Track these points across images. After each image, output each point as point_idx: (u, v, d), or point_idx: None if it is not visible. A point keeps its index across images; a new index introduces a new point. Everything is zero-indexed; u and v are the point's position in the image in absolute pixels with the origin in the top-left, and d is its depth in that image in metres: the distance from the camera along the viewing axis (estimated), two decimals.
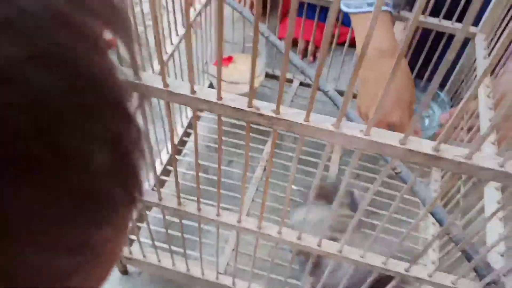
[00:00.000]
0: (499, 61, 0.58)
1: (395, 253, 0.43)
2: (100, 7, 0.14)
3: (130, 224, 0.16)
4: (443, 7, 0.66)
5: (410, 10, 0.72)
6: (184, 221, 0.51)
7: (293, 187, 0.73)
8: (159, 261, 0.63)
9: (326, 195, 0.67)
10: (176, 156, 0.79)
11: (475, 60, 0.64)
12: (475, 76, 0.67)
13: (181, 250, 0.57)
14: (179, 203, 0.48)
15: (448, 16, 0.67)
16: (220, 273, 0.62)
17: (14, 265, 0.13)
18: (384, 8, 0.66)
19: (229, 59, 0.88)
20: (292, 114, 0.33)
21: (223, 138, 0.79)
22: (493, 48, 0.62)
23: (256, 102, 0.33)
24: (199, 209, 0.48)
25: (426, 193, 0.42)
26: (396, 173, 0.43)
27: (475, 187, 0.56)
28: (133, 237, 0.64)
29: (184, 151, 0.82)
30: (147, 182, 0.70)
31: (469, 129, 0.63)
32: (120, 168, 0.15)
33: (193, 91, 0.34)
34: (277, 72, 0.93)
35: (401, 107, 0.65)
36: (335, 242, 0.45)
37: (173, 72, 0.72)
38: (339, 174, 0.75)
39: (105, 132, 0.14)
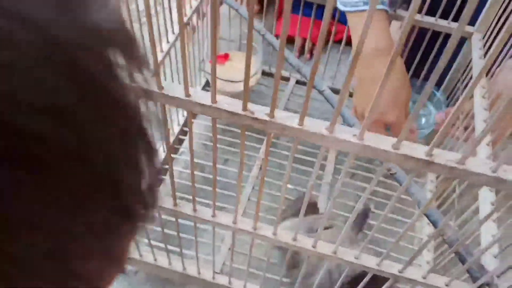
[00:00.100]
0: (495, 60, 0.58)
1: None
2: (116, 36, 0.14)
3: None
4: (439, 6, 0.66)
5: (407, 8, 0.72)
6: (180, 220, 0.51)
7: (289, 186, 0.73)
8: (155, 260, 0.63)
9: (313, 205, 0.68)
10: (173, 155, 0.79)
11: (471, 59, 0.64)
12: (471, 76, 0.67)
13: (178, 249, 0.57)
14: (175, 204, 0.48)
15: (444, 16, 0.67)
16: (216, 273, 0.62)
17: (14, 265, 0.13)
18: (380, 6, 0.66)
19: (226, 56, 0.87)
20: (286, 117, 0.33)
21: (220, 136, 0.80)
22: (489, 48, 0.62)
23: (250, 106, 0.33)
24: (194, 210, 0.48)
25: (421, 194, 0.42)
26: (391, 174, 0.43)
27: (470, 188, 0.56)
28: None
29: (181, 149, 0.82)
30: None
31: (466, 128, 0.63)
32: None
33: (187, 94, 0.34)
34: (274, 70, 0.93)
35: (397, 106, 0.65)
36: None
37: (169, 70, 0.71)
38: (335, 173, 0.75)
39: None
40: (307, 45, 0.90)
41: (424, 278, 0.43)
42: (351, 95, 0.86)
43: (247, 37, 0.28)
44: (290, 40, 0.95)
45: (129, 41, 0.15)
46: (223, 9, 0.85)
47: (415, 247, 0.67)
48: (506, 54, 0.57)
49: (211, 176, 0.42)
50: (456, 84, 0.74)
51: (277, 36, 0.76)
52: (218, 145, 0.79)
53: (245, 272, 0.56)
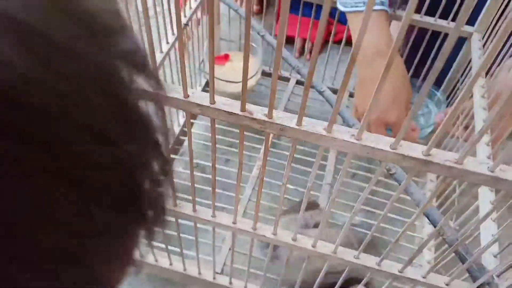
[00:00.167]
0: (495, 60, 0.58)
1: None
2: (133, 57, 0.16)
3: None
4: (439, 6, 0.66)
5: None
6: (180, 221, 0.52)
7: (290, 186, 0.73)
8: (156, 260, 0.63)
9: (315, 206, 0.68)
10: (173, 156, 0.79)
11: (471, 59, 0.64)
12: (471, 76, 0.67)
13: (178, 249, 0.57)
14: (175, 204, 0.48)
15: (444, 15, 0.67)
16: (217, 273, 0.63)
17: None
18: (380, 7, 0.66)
19: (226, 57, 0.88)
20: (285, 118, 0.33)
21: (220, 137, 0.80)
22: (488, 48, 0.62)
23: (249, 106, 0.34)
24: (194, 210, 0.49)
25: (421, 194, 0.42)
26: (390, 174, 0.43)
27: (471, 187, 0.56)
28: None
29: (181, 150, 0.82)
30: None
31: (466, 127, 0.63)
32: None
33: (186, 95, 0.34)
34: None
35: (398, 106, 0.65)
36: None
37: (169, 70, 0.72)
38: (335, 173, 0.75)
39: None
40: (307, 45, 0.90)
41: (424, 277, 0.43)
42: (352, 95, 0.86)
43: (245, 38, 0.28)
44: (290, 41, 0.95)
45: (148, 66, 0.17)
46: (223, 9, 0.85)
47: (416, 246, 0.67)
48: (505, 54, 0.57)
49: (211, 177, 0.42)
50: (456, 84, 0.74)
51: (276, 37, 0.76)
52: (218, 146, 0.80)
53: (246, 272, 0.56)
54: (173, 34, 0.66)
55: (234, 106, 0.33)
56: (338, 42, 0.85)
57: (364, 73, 0.68)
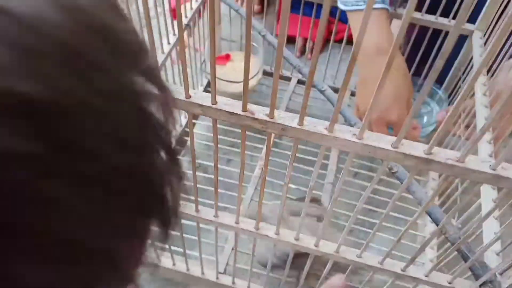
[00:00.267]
0: (496, 59, 0.58)
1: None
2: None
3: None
4: (439, 4, 0.66)
5: None
6: (183, 221, 0.52)
7: (292, 185, 0.73)
8: (159, 261, 0.63)
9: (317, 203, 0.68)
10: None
11: (472, 57, 0.64)
12: (473, 74, 0.67)
13: (181, 249, 0.57)
14: None
15: (445, 13, 0.67)
16: (220, 273, 0.63)
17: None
18: (381, 5, 0.66)
19: (227, 57, 0.88)
20: (286, 117, 0.33)
21: (222, 137, 0.80)
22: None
23: (250, 106, 0.34)
24: (197, 211, 0.49)
25: (422, 193, 0.42)
26: (392, 172, 0.43)
27: (473, 186, 0.56)
28: None
29: (184, 150, 0.82)
30: None
31: (467, 126, 0.63)
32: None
33: (188, 96, 0.34)
34: None
35: (399, 105, 0.65)
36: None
37: (171, 71, 0.72)
38: (337, 172, 0.75)
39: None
40: (308, 44, 0.90)
41: (426, 276, 0.43)
42: (354, 94, 0.86)
43: (246, 39, 0.28)
44: (291, 40, 0.95)
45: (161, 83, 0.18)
46: (224, 9, 0.85)
47: (418, 245, 0.67)
48: (506, 53, 0.57)
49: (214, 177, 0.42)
50: (457, 82, 0.74)
51: (278, 36, 0.76)
52: (220, 146, 0.80)
53: (249, 272, 0.57)
54: (174, 34, 0.67)
55: (235, 106, 0.34)
56: (339, 41, 0.85)
57: (365, 72, 0.68)
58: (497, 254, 0.44)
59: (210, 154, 0.80)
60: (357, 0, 0.67)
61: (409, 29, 0.72)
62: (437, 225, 0.40)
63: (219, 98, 0.34)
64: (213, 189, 0.43)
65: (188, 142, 0.82)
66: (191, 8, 0.71)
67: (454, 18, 0.67)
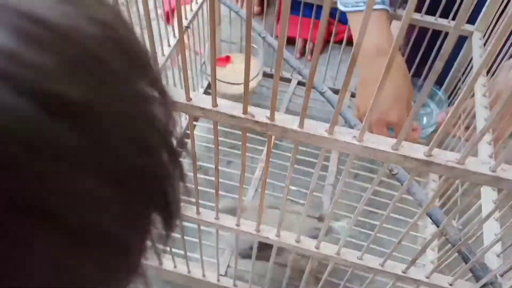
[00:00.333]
0: (495, 59, 0.58)
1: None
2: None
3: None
4: (439, 5, 0.66)
5: None
6: (184, 223, 0.52)
7: (292, 187, 0.73)
8: (161, 263, 0.63)
9: None
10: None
11: (472, 58, 0.64)
12: (472, 75, 0.67)
13: (182, 252, 0.57)
14: None
15: (444, 15, 0.67)
16: (221, 275, 0.63)
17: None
18: (381, 6, 0.66)
19: (227, 59, 0.88)
20: (286, 120, 0.33)
21: (222, 138, 0.80)
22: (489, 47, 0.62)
23: (251, 109, 0.34)
24: (198, 213, 0.49)
25: (423, 194, 0.42)
26: (393, 174, 0.43)
27: (473, 186, 0.56)
28: None
29: (184, 152, 0.82)
30: None
31: (467, 127, 0.63)
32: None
33: (188, 98, 0.34)
34: None
35: (399, 106, 0.65)
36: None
37: (171, 73, 0.72)
38: (337, 174, 0.75)
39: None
40: (308, 46, 0.90)
41: (427, 278, 0.43)
42: (354, 95, 0.86)
43: (246, 42, 0.28)
44: (291, 41, 0.95)
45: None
46: (224, 11, 0.86)
47: (419, 246, 0.67)
48: (505, 54, 0.57)
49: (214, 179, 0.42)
50: (457, 83, 0.74)
51: (277, 38, 0.76)
52: (221, 148, 0.80)
53: (250, 274, 0.57)
54: (174, 36, 0.67)
55: (236, 109, 0.34)
56: (339, 42, 0.85)
57: (365, 73, 0.68)
58: (498, 256, 0.44)
59: (211, 156, 0.80)
60: (357, 1, 0.67)
61: (408, 30, 0.72)
62: (438, 226, 0.41)
63: (219, 101, 0.34)
64: (213, 191, 0.44)
65: (188, 144, 0.82)
66: (191, 10, 0.72)
67: (453, 19, 0.67)
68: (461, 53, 0.71)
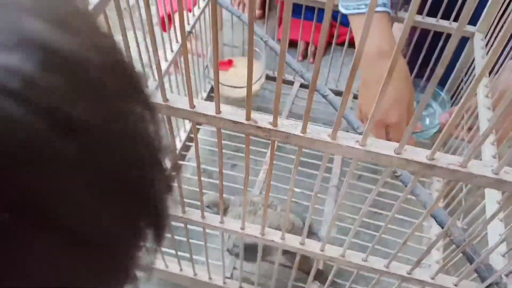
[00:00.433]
0: (498, 60, 0.58)
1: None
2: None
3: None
4: (440, 6, 0.66)
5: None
6: (189, 226, 0.52)
7: (296, 189, 0.73)
8: (167, 266, 0.64)
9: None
10: (181, 162, 0.80)
11: (474, 59, 0.64)
12: (475, 75, 0.67)
13: (188, 255, 0.58)
14: (183, 211, 0.49)
15: (445, 16, 0.68)
16: (227, 277, 0.63)
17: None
18: (382, 8, 0.67)
19: (230, 62, 0.88)
20: (289, 125, 0.33)
21: (227, 142, 0.80)
22: (491, 47, 0.62)
23: (254, 115, 0.34)
24: (203, 217, 0.49)
25: (427, 195, 0.43)
26: (396, 176, 0.43)
27: (477, 187, 0.56)
28: None
29: (188, 156, 0.83)
30: None
31: (470, 128, 0.63)
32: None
33: (192, 106, 0.35)
34: None
35: (399, 107, 0.65)
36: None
37: (174, 78, 0.72)
38: (341, 175, 0.75)
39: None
40: (310, 48, 0.90)
41: (432, 278, 0.43)
42: (357, 97, 0.86)
43: (248, 49, 0.29)
44: (293, 44, 0.96)
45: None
46: (226, 15, 0.86)
47: (424, 247, 0.67)
48: (508, 54, 0.57)
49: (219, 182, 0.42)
50: (460, 84, 0.74)
51: (279, 41, 0.77)
52: (225, 151, 0.80)
53: (256, 276, 0.57)
54: (177, 41, 0.67)
55: (239, 115, 0.34)
56: (341, 44, 0.85)
57: (367, 75, 0.68)
58: (503, 256, 0.45)
59: (215, 160, 0.81)
60: (358, 3, 0.68)
61: (410, 32, 0.72)
62: (442, 227, 0.41)
63: (223, 107, 0.34)
64: (217, 194, 0.44)
65: (193, 148, 0.82)
66: (193, 15, 0.72)
67: (455, 20, 0.67)
68: (463, 54, 0.71)
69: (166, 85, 0.68)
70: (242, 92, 0.79)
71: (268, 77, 0.90)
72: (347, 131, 0.34)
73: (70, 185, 0.16)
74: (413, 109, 0.67)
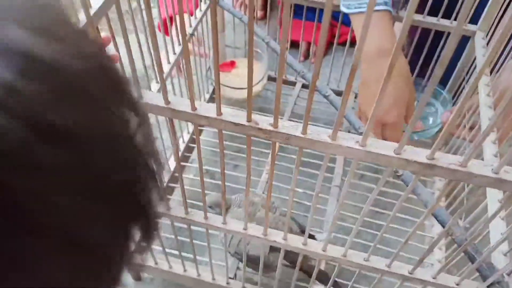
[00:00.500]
0: (499, 58, 0.58)
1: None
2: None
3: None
4: (441, 6, 0.66)
5: None
6: (192, 227, 0.53)
7: (298, 189, 0.74)
8: (171, 267, 0.64)
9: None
10: (184, 163, 0.81)
11: (475, 58, 0.64)
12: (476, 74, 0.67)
13: (191, 256, 0.58)
14: (187, 213, 0.50)
15: (447, 15, 0.68)
16: (230, 278, 0.63)
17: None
18: (383, 7, 0.66)
19: (232, 64, 0.89)
20: (290, 127, 0.34)
21: (229, 143, 0.81)
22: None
23: (254, 116, 0.34)
24: (206, 218, 0.50)
25: (428, 195, 0.43)
26: (398, 175, 0.43)
27: (479, 186, 0.56)
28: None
29: (192, 157, 0.83)
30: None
31: (471, 128, 0.63)
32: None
33: (193, 108, 0.35)
34: None
35: (398, 106, 0.65)
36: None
37: (177, 80, 0.73)
38: (343, 175, 0.76)
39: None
40: (312, 49, 0.91)
41: (434, 278, 0.43)
42: (357, 96, 0.87)
43: (248, 51, 0.29)
44: (295, 45, 0.96)
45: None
46: (227, 16, 0.86)
47: (426, 246, 0.67)
48: (509, 53, 0.57)
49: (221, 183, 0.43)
50: (461, 83, 0.74)
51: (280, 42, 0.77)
52: (227, 152, 0.81)
53: (259, 276, 0.57)
54: (179, 44, 0.68)
55: (240, 117, 0.34)
56: (343, 43, 0.85)
57: (367, 74, 0.68)
58: (505, 255, 0.45)
59: (217, 160, 0.81)
60: (359, 2, 0.68)
61: (411, 31, 0.72)
62: (444, 227, 0.41)
63: (224, 109, 0.35)
64: (220, 194, 0.44)
65: (196, 149, 0.83)
66: (195, 18, 0.72)
67: (456, 19, 0.67)
68: (464, 53, 0.71)
69: (169, 88, 0.68)
70: (244, 93, 0.79)
71: (270, 78, 0.90)
72: (348, 131, 0.34)
73: (57, 189, 0.16)
74: (413, 108, 0.67)
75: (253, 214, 0.61)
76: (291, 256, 0.53)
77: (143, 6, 0.57)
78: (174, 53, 0.66)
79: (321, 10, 0.78)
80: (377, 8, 0.65)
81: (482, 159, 0.52)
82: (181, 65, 0.71)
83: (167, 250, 0.61)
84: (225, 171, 0.41)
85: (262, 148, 0.79)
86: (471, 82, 0.28)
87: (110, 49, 0.46)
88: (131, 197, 0.20)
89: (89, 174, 0.17)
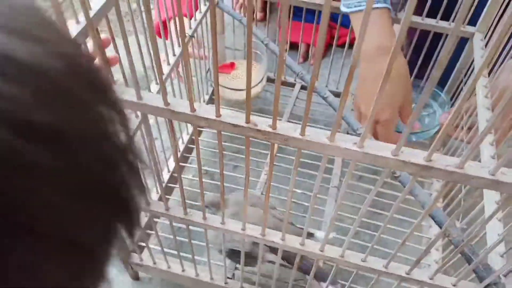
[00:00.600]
0: (497, 60, 0.59)
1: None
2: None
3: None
4: (440, 8, 0.67)
5: None
6: (191, 227, 0.53)
7: (297, 190, 0.74)
8: (169, 267, 0.64)
9: None
10: (183, 164, 0.81)
11: (473, 59, 0.65)
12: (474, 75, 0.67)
13: (190, 255, 0.58)
14: (185, 213, 0.50)
15: (445, 17, 0.68)
16: (229, 278, 0.64)
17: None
18: (382, 4, 0.66)
19: (232, 65, 0.89)
20: (288, 128, 0.34)
21: (228, 144, 0.81)
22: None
23: (253, 118, 0.35)
24: (204, 218, 0.50)
25: (426, 196, 0.43)
26: (395, 176, 0.44)
27: (476, 188, 0.56)
28: (143, 244, 0.66)
29: (191, 158, 0.83)
30: (155, 191, 0.72)
31: (469, 128, 0.63)
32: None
33: (193, 110, 0.35)
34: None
35: (392, 105, 0.64)
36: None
37: (177, 81, 0.73)
38: (342, 176, 0.76)
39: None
40: (311, 50, 0.91)
41: (431, 279, 0.44)
42: None
43: (247, 53, 0.29)
44: (294, 46, 0.96)
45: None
46: (227, 18, 0.87)
47: (423, 247, 0.68)
48: (507, 54, 0.58)
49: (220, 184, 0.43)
50: (459, 85, 0.74)
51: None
52: (226, 152, 0.81)
53: (257, 276, 0.57)
54: (179, 45, 0.68)
55: (239, 118, 0.35)
56: (342, 45, 0.86)
57: (365, 71, 0.68)
58: (501, 256, 0.45)
59: (216, 161, 0.82)
60: (359, 1, 0.68)
61: (410, 33, 0.72)
62: (441, 228, 0.41)
63: (223, 111, 0.35)
64: (219, 195, 0.44)
65: (195, 150, 0.83)
66: (195, 20, 0.73)
67: (454, 21, 0.67)
68: (462, 55, 0.72)
69: (169, 89, 0.69)
70: (244, 95, 0.80)
71: (269, 80, 0.90)
72: (347, 133, 0.34)
73: (41, 189, 0.16)
74: (411, 109, 0.67)
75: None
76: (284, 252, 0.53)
77: (142, 8, 0.57)
78: (174, 55, 0.66)
79: (320, 12, 0.78)
80: (376, 5, 0.65)
81: (480, 161, 0.53)
82: (180, 70, 0.71)
83: (165, 250, 0.61)
84: (224, 172, 0.41)
85: (261, 149, 0.79)
86: (469, 84, 0.28)
87: (110, 50, 0.46)
88: (114, 195, 0.20)
89: (72, 172, 0.17)
